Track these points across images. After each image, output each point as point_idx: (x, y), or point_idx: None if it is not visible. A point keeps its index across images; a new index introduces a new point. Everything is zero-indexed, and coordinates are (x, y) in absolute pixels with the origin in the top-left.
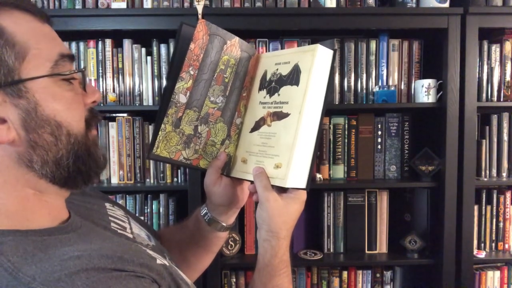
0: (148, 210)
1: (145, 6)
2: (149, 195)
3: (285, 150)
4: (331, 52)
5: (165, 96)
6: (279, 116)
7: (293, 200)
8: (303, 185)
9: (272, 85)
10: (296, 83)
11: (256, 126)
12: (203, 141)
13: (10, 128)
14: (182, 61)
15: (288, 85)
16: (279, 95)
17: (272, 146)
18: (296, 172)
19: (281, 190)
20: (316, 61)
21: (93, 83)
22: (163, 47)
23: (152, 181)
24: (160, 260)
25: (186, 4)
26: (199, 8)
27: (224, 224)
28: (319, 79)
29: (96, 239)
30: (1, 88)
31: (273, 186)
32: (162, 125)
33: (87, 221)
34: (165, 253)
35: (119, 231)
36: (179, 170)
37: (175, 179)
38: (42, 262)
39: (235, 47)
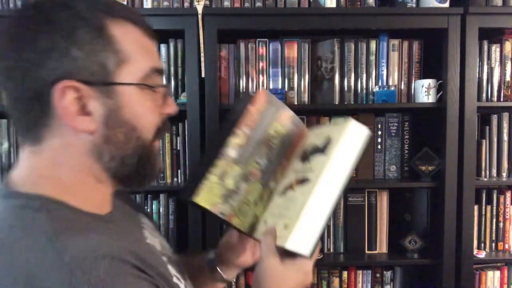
0: (148, 210)
1: (145, 6)
2: (149, 195)
3: (295, 212)
4: (365, 131)
5: (213, 145)
6: (303, 181)
7: (293, 267)
8: (306, 251)
9: (307, 154)
10: (324, 152)
11: (284, 191)
12: (240, 199)
13: (92, 121)
14: (239, 118)
15: (318, 154)
16: (309, 163)
17: (289, 208)
18: (300, 235)
19: (286, 255)
20: (346, 133)
21: None
22: (163, 47)
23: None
24: (176, 280)
25: (186, 4)
26: (199, 8)
27: (225, 277)
28: (345, 152)
29: (129, 237)
30: (95, 85)
31: (278, 249)
32: (208, 175)
33: (124, 219)
34: (184, 271)
35: (147, 240)
36: (179, 170)
37: (175, 179)
38: (79, 240)
39: (287, 119)
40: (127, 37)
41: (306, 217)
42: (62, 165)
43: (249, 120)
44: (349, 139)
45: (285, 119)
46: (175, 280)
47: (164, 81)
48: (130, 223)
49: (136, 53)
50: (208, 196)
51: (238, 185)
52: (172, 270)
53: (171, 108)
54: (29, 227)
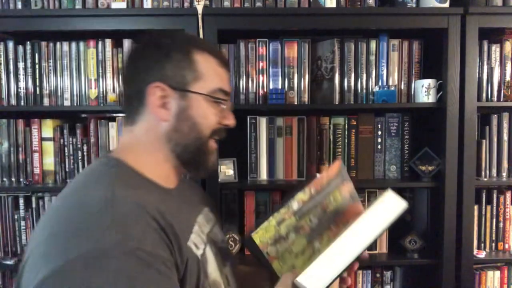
0: None
1: (145, 6)
2: None
3: (317, 254)
4: (402, 204)
5: (287, 196)
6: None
7: None
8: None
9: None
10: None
11: None
12: (286, 246)
13: (168, 113)
14: (311, 181)
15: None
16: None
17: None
18: (311, 273)
19: None
20: (382, 200)
21: (93, 83)
22: None
23: None
24: (192, 244)
25: (186, 4)
26: (199, 8)
27: None
28: (377, 215)
29: (170, 203)
30: (175, 90)
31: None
32: (271, 217)
33: (180, 198)
34: (224, 257)
35: (193, 217)
36: None
37: None
38: (131, 195)
39: (347, 191)
40: (205, 63)
41: (323, 260)
42: (143, 142)
43: (319, 183)
44: (383, 206)
45: (344, 191)
46: (190, 244)
47: (229, 99)
48: (185, 203)
49: (208, 75)
50: (262, 235)
51: (288, 233)
52: (196, 238)
53: (229, 121)
54: (100, 176)
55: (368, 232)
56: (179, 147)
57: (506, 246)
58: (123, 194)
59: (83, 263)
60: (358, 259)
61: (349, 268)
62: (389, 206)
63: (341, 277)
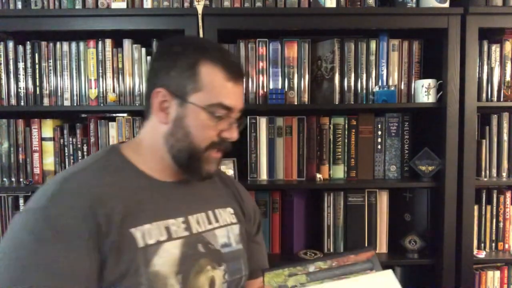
0: None
1: (145, 6)
2: None
3: None
4: (394, 281)
5: (310, 260)
6: None
7: None
8: None
9: None
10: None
11: None
12: None
13: (167, 117)
14: (341, 256)
15: None
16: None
17: None
18: None
19: None
20: (379, 274)
21: (93, 83)
22: None
23: None
24: (139, 238)
25: (186, 4)
26: (199, 8)
27: None
28: (365, 283)
29: (143, 194)
30: (175, 97)
31: None
32: (286, 268)
33: (173, 195)
34: (224, 264)
35: (174, 212)
36: None
37: None
38: (84, 179)
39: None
40: (208, 76)
41: None
42: (146, 138)
43: (342, 260)
44: (376, 279)
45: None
46: (133, 231)
47: (234, 114)
48: (181, 197)
49: (209, 88)
50: (271, 278)
51: (294, 286)
52: (151, 229)
53: (231, 135)
54: (88, 159)
55: None
56: (174, 150)
57: (506, 246)
58: (78, 177)
59: (24, 215)
60: None
61: None
62: (383, 281)
63: None
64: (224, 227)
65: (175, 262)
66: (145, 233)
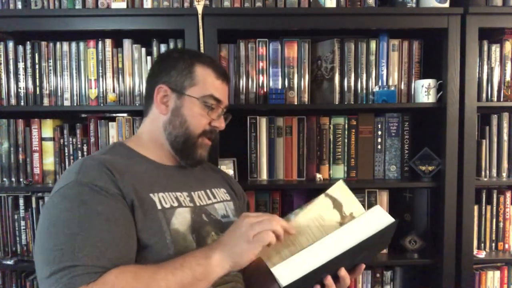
0: None
1: (145, 6)
2: None
3: (296, 249)
4: (389, 219)
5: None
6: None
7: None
8: (283, 283)
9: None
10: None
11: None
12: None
13: (167, 109)
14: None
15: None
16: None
17: (297, 239)
18: (285, 266)
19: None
20: (368, 212)
21: (93, 83)
22: (163, 47)
23: None
24: (157, 200)
25: (186, 4)
26: (199, 8)
27: None
28: (360, 226)
29: (163, 178)
30: (174, 91)
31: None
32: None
33: (175, 176)
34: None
35: (177, 187)
36: None
37: None
38: (101, 158)
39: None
40: (202, 74)
41: (298, 256)
42: (147, 129)
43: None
44: (367, 218)
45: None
46: (152, 195)
47: (222, 106)
48: (184, 177)
49: (203, 83)
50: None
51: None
52: (165, 196)
53: (219, 124)
54: (98, 151)
55: (346, 240)
56: (171, 137)
57: (506, 246)
58: (94, 156)
59: (58, 193)
60: (353, 265)
61: (329, 272)
62: (374, 219)
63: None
64: (221, 202)
65: (189, 223)
66: (161, 199)
